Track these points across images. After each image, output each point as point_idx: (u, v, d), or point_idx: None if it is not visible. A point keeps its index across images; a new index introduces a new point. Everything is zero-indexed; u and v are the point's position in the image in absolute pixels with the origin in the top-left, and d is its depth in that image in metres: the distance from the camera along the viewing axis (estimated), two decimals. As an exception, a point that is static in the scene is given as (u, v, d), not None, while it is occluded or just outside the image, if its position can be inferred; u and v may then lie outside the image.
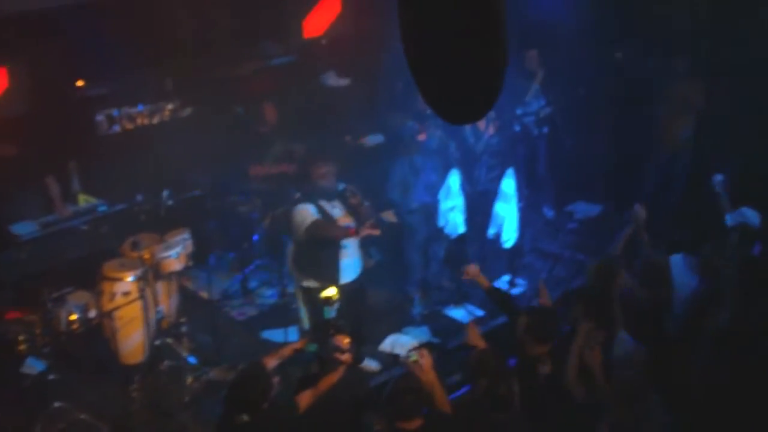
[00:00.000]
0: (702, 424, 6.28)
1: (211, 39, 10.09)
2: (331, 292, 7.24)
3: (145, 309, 7.80)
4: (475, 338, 6.47)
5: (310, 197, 7.84)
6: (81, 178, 9.40)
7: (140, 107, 10.05)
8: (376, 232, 7.94)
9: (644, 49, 10.60)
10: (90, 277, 8.02)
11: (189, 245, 8.38)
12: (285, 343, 7.07)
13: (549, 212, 11.39)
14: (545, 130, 10.71)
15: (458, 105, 2.93)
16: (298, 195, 8.07)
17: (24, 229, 8.79)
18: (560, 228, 11.11)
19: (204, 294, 9.31)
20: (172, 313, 8.49)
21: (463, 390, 6.94)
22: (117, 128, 9.91)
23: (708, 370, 6.54)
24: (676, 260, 7.39)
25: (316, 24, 11.29)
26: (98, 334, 7.98)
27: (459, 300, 9.46)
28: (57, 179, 9.09)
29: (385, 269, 9.87)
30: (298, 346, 6.47)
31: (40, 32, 8.67)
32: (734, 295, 6.98)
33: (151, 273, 7.99)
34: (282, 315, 8.98)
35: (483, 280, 7.19)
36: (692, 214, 9.78)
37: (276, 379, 5.89)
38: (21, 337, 7.35)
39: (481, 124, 9.48)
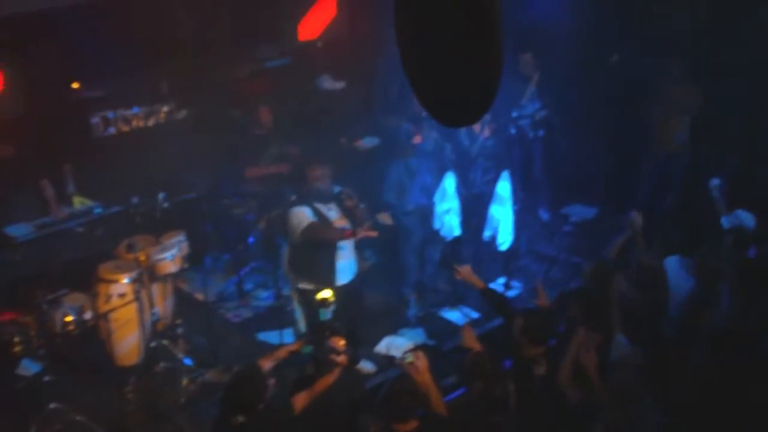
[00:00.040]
0: (697, 426, 6.28)
1: (206, 42, 10.10)
2: (326, 294, 7.25)
3: (141, 311, 7.81)
4: (471, 340, 6.48)
5: (305, 199, 7.85)
6: (76, 180, 9.40)
7: (135, 109, 10.07)
8: (373, 234, 7.95)
9: (640, 52, 10.61)
10: (85, 279, 8.02)
11: (184, 247, 8.39)
12: (280, 345, 7.09)
13: (544, 215, 11.39)
14: (541, 132, 10.72)
15: (454, 108, 2.93)
16: (293, 197, 8.08)
17: (19, 231, 8.78)
18: (556, 230, 11.11)
19: (199, 296, 9.32)
20: (168, 315, 8.49)
21: (459, 392, 6.94)
22: (112, 130, 9.93)
23: (703, 372, 6.54)
24: (672, 262, 7.40)
25: (312, 27, 11.30)
26: (93, 336, 7.99)
27: (454, 302, 9.47)
28: (52, 181, 9.09)
29: (381, 271, 9.87)
30: (293, 347, 6.48)
31: (36, 34, 8.68)
32: (730, 296, 6.99)
33: (147, 275, 7.98)
34: (277, 317, 8.97)
35: (477, 281, 7.20)
36: (688, 216, 9.80)
37: (271, 381, 5.89)
38: (16, 339, 7.34)
39: (477, 126, 9.48)
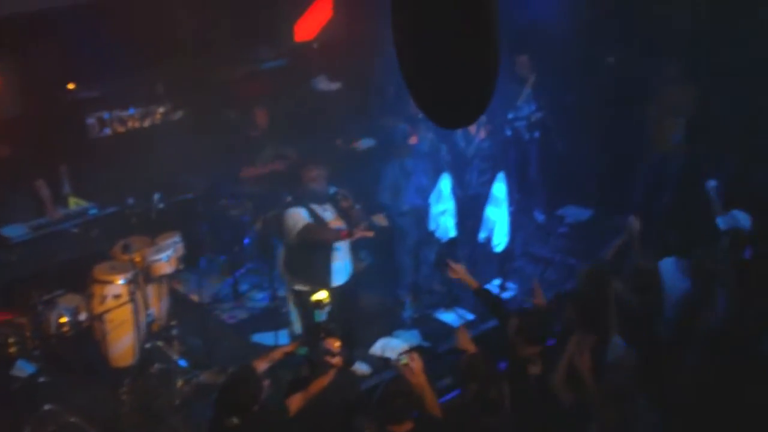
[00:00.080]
0: (692, 427, 6.29)
1: (202, 43, 10.10)
2: (321, 295, 7.25)
3: (136, 312, 7.80)
4: (465, 342, 6.47)
5: (301, 200, 7.84)
6: (72, 180, 9.41)
7: (131, 110, 10.08)
8: (370, 234, 7.94)
9: (637, 53, 10.62)
10: (81, 280, 8.02)
11: (180, 248, 8.38)
12: (275, 347, 7.08)
13: (540, 216, 11.40)
14: (536, 134, 10.72)
15: (450, 109, 2.93)
16: (289, 198, 8.07)
17: (14, 231, 8.77)
18: (551, 232, 11.12)
19: (195, 297, 9.32)
20: (163, 316, 8.48)
21: (454, 394, 6.94)
22: (108, 131, 9.94)
23: (699, 373, 6.55)
24: (668, 264, 7.40)
25: (308, 28, 11.32)
26: (88, 337, 7.98)
27: (449, 304, 9.47)
28: (48, 182, 9.09)
29: (376, 273, 9.87)
30: (288, 349, 6.48)
31: (32, 35, 8.68)
32: (726, 298, 7.00)
33: (142, 276, 7.98)
34: (272, 318, 8.98)
35: (471, 280, 7.20)
36: (684, 217, 9.81)
37: (266, 383, 5.89)
38: (11, 340, 7.33)
39: (472, 128, 9.49)
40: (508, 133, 10.45)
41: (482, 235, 9.68)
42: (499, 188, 9.46)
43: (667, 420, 6.04)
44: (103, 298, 7.81)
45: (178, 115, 10.41)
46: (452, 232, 9.26)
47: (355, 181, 8.84)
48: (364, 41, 10.89)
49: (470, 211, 9.67)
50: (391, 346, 8.54)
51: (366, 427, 6.04)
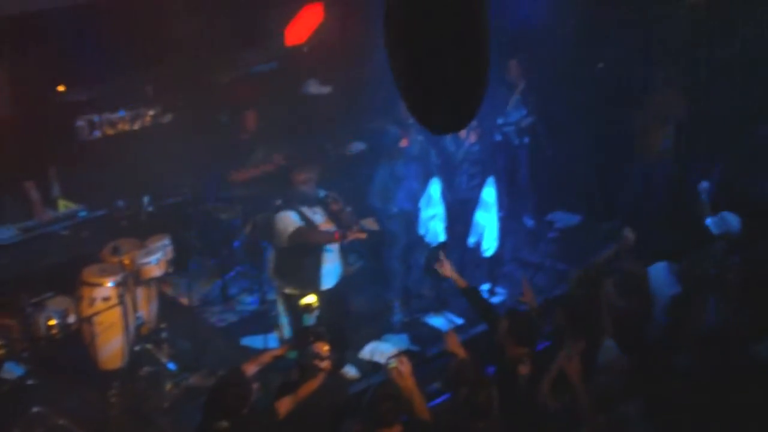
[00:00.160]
0: (683, 430, 6.31)
1: (193, 45, 10.08)
2: (310, 299, 7.25)
3: (125, 315, 7.78)
4: (455, 346, 6.49)
5: (291, 204, 7.85)
6: (61, 183, 9.38)
7: (121, 113, 10.04)
8: (363, 236, 7.95)
9: (626, 59, 10.66)
10: (70, 282, 7.99)
11: (169, 251, 8.36)
12: (265, 350, 7.10)
13: (529, 221, 11.40)
14: (526, 140, 10.73)
15: (441, 115, 2.94)
16: (279, 202, 8.07)
17: (3, 234, 8.76)
18: (541, 237, 11.10)
19: (184, 300, 9.29)
20: (152, 319, 8.47)
21: (443, 398, 6.94)
22: (98, 134, 9.90)
23: (690, 376, 6.57)
24: (658, 268, 7.43)
25: (299, 32, 11.30)
26: (77, 340, 7.95)
27: (439, 308, 9.47)
28: (37, 184, 9.07)
29: (366, 276, 9.87)
30: (278, 352, 6.49)
31: (21, 37, 8.65)
32: (716, 302, 7.03)
33: (131, 279, 7.97)
34: (262, 321, 8.98)
35: (459, 280, 7.21)
36: (673, 221, 9.84)
37: (256, 386, 5.91)
38: (-1, 342, 7.33)
39: (462, 132, 9.49)
40: (498, 138, 10.47)
41: (472, 240, 9.68)
42: (489, 193, 9.46)
43: (658, 424, 6.05)
44: (92, 301, 7.78)
45: (168, 117, 10.39)
46: (442, 237, 9.26)
47: (345, 185, 8.85)
48: (355, 45, 10.90)
49: (460, 215, 9.66)
50: (380, 350, 8.54)
51: (355, 430, 6.04)
